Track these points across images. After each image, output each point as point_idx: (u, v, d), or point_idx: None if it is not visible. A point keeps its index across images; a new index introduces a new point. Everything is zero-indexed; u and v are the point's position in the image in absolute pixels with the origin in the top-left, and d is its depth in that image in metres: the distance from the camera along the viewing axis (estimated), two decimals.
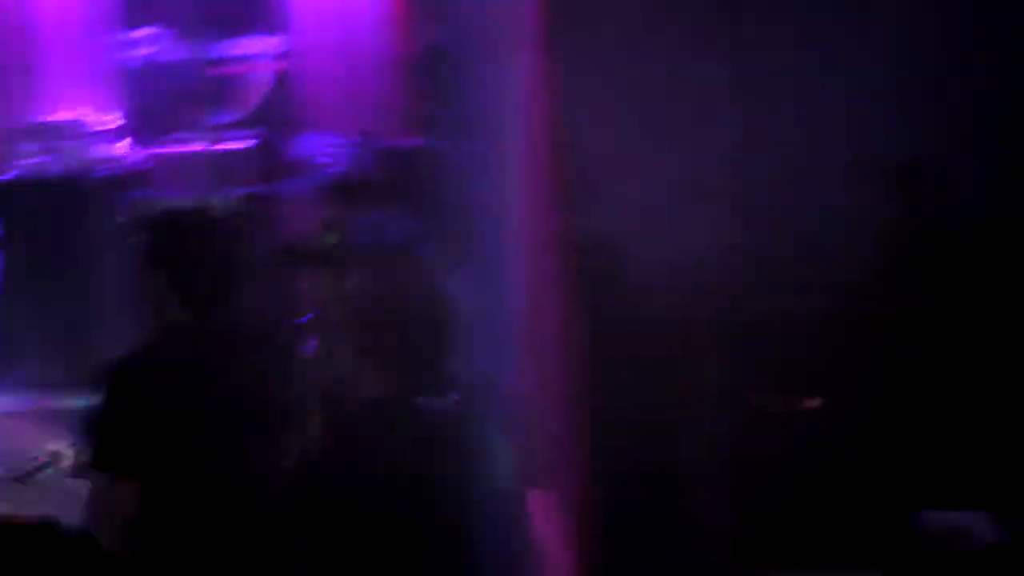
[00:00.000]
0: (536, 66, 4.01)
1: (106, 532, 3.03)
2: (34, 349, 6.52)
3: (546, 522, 3.28)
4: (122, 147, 6.87)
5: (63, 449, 5.40)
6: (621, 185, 4.98)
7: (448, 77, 5.66)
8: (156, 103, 6.60)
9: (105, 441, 3.18)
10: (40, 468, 5.25)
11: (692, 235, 5.33)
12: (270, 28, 6.59)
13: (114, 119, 6.98)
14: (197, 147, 6.27)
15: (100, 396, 3.24)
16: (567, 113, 4.07)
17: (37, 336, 6.62)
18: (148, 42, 6.79)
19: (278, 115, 6.41)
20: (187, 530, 3.11)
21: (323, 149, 6.01)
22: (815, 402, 4.96)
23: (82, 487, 3.20)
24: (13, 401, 6.22)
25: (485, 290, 4.44)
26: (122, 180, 6.59)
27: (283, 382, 3.52)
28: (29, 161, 6.79)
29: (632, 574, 4.14)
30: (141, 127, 6.73)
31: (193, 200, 3.74)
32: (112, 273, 6.30)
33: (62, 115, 7.13)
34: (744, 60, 5.21)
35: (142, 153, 6.69)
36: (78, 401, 5.72)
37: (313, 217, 4.84)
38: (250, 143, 6.37)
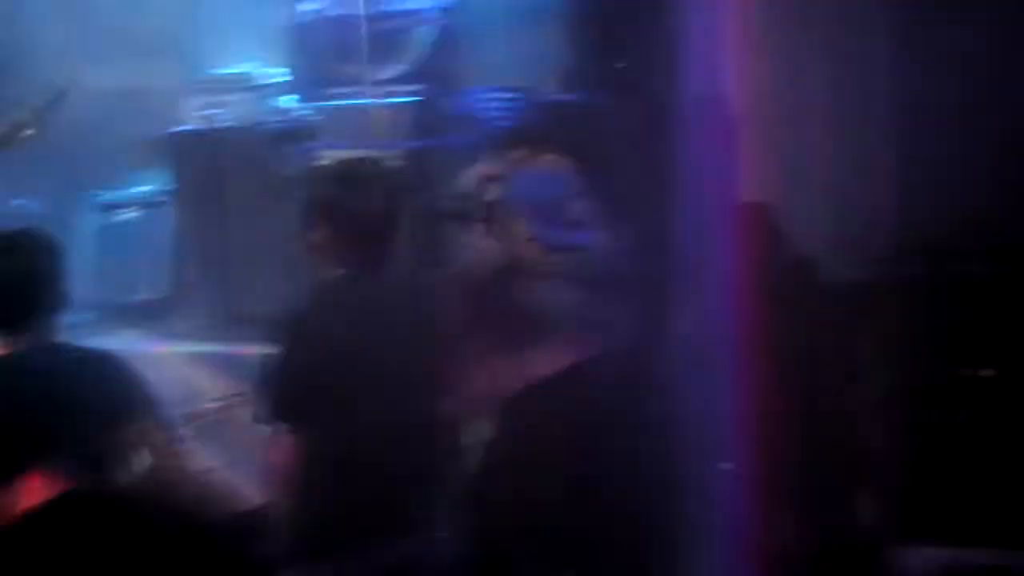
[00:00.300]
0: (705, 20, 3.94)
1: (277, 481, 3.09)
2: (203, 298, 6.68)
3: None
4: (289, 101, 6.97)
5: (232, 396, 5.54)
6: (792, 147, 4.87)
7: (614, 31, 5.61)
8: (323, 57, 6.66)
9: (276, 392, 3.24)
10: (212, 413, 5.39)
11: (863, 199, 5.20)
12: None
13: (282, 73, 7.09)
14: (362, 101, 6.31)
15: (272, 348, 3.29)
16: (733, 69, 3.99)
17: (206, 286, 6.78)
18: None
19: (442, 70, 6.42)
20: (352, 481, 3.15)
21: (486, 104, 6.00)
22: (988, 372, 4.81)
23: (253, 434, 3.26)
24: (183, 348, 6.37)
25: (650, 247, 4.40)
26: (289, 134, 6.68)
27: (447, 335, 3.54)
28: (199, 114, 6.94)
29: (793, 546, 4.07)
30: (308, 81, 6.80)
31: (359, 154, 3.75)
32: (279, 225, 6.41)
33: (231, 69, 7.27)
34: (932, 25, 5.05)
35: (308, 107, 6.77)
36: (244, 349, 5.89)
37: (474, 172, 4.83)
38: (414, 97, 6.39)
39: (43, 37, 6.77)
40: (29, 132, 5.51)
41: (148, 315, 6.86)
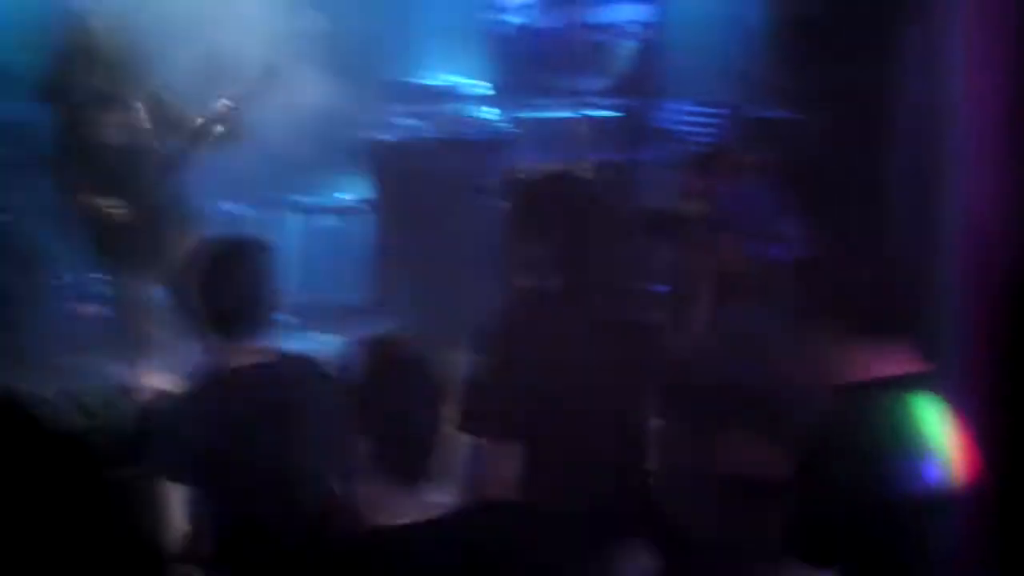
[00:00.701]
0: (924, 39, 3.82)
1: (482, 491, 3.07)
2: (402, 305, 6.75)
3: None
4: (490, 112, 7.02)
5: None
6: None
7: (819, 48, 5.49)
8: (525, 69, 6.69)
9: (478, 402, 3.23)
10: None
11: None
12: None
13: (483, 84, 7.14)
14: (563, 113, 6.31)
15: (472, 357, 3.28)
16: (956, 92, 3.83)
17: (406, 293, 6.86)
18: (520, 8, 6.89)
19: (644, 83, 6.38)
20: (558, 493, 3.13)
21: (688, 118, 5.95)
22: None
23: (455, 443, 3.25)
24: None
25: (857, 263, 4.28)
26: (490, 144, 6.72)
27: (643, 350, 3.50)
28: (402, 123, 7.03)
29: None
30: (509, 92, 6.84)
31: (561, 166, 3.75)
32: (478, 235, 6.44)
33: (435, 79, 7.36)
34: None
35: (509, 118, 6.80)
36: (443, 357, 5.91)
37: (676, 187, 4.78)
38: (615, 111, 6.37)
39: (249, 43, 6.93)
40: (222, 129, 5.62)
41: (346, 319, 6.96)
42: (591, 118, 6.20)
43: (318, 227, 7.39)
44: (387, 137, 7.03)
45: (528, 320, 3.35)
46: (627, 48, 6.50)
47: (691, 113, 5.88)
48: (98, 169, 5.56)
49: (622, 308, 3.48)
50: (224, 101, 5.57)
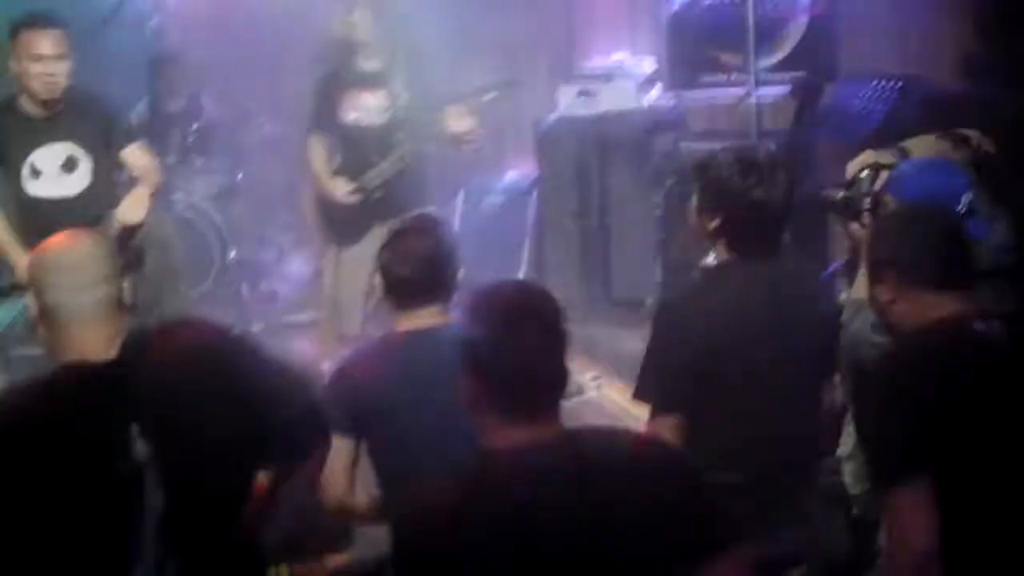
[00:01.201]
0: None
1: None
2: (566, 282, 6.76)
3: None
4: (658, 92, 6.97)
5: (591, 378, 5.69)
6: None
7: (1008, 18, 5.34)
8: (693, 48, 6.60)
9: (653, 376, 3.24)
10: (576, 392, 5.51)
11: None
12: None
13: (651, 64, 7.09)
14: (733, 92, 6.21)
15: (658, 331, 3.30)
16: None
17: (568, 271, 6.89)
18: None
19: (816, 59, 6.24)
20: (734, 468, 3.10)
21: (863, 94, 5.80)
22: None
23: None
24: None
25: None
26: (658, 124, 6.67)
27: (827, 328, 3.48)
28: (568, 105, 7.02)
29: None
30: (678, 72, 6.76)
31: (737, 146, 3.69)
32: (648, 212, 6.42)
33: (602, 60, 7.33)
34: None
35: (678, 98, 6.74)
36: (602, 333, 5.95)
37: (859, 162, 4.69)
38: (787, 88, 6.25)
39: (420, 36, 6.99)
40: (458, 130, 5.67)
41: None
42: (761, 96, 6.08)
43: (488, 205, 7.44)
44: (558, 117, 7.03)
45: (720, 295, 3.34)
46: (799, 23, 6.36)
47: (870, 87, 5.73)
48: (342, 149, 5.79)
49: (794, 285, 3.45)
50: (464, 108, 5.67)
